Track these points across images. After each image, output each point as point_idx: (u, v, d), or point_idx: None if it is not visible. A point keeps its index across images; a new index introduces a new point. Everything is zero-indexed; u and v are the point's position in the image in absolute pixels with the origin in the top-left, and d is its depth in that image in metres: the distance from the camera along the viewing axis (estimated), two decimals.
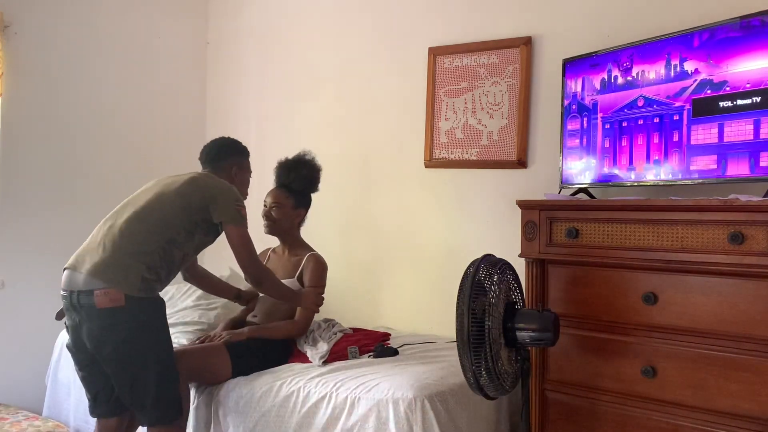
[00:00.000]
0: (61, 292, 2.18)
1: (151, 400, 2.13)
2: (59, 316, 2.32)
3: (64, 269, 2.20)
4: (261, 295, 2.79)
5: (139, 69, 3.81)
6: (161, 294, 2.25)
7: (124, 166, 3.73)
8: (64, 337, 3.27)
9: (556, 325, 1.94)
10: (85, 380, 2.25)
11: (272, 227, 2.82)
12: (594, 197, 2.42)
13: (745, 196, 1.83)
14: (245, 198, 2.49)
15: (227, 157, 2.52)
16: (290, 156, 2.90)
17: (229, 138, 2.61)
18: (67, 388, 3.16)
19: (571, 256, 2.16)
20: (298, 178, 2.83)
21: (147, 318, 2.15)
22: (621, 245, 2.04)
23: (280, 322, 2.67)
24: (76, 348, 2.19)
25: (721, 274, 1.87)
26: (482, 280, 1.93)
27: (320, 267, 2.79)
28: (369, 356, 2.59)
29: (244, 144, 2.62)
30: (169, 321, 2.51)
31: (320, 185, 3.57)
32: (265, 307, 2.75)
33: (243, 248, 2.29)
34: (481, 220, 2.95)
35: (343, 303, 3.39)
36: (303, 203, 2.88)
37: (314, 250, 2.85)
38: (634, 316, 2.03)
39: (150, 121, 3.87)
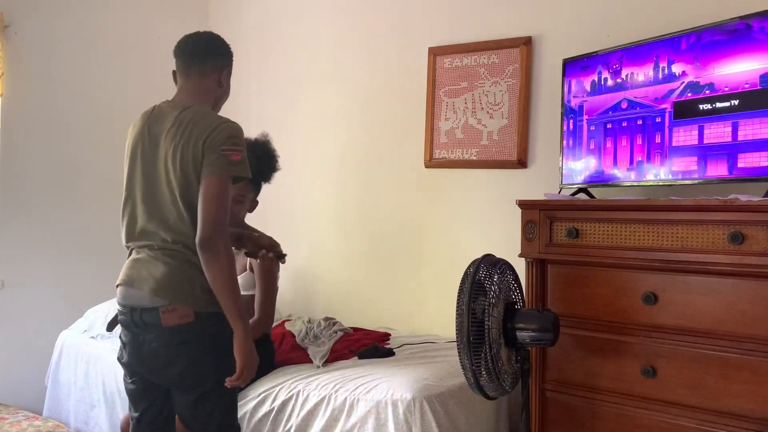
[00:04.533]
0: (118, 308, 1.93)
1: (215, 426, 1.90)
2: (110, 327, 2.12)
3: (118, 285, 1.93)
4: None
5: (139, 69, 3.81)
6: None
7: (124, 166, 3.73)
8: (64, 337, 3.28)
9: (556, 325, 1.94)
10: (134, 394, 1.98)
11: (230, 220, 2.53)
12: (594, 197, 2.43)
13: (746, 196, 1.83)
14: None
15: (215, 56, 2.02)
16: (251, 139, 2.58)
17: (219, 36, 2.08)
18: (67, 388, 3.16)
19: (571, 256, 2.16)
20: (267, 168, 2.57)
21: (218, 334, 1.85)
22: (621, 245, 2.04)
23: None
24: (133, 362, 1.92)
25: (721, 274, 1.86)
26: (482, 280, 1.93)
27: None
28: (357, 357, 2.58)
29: None
30: None
31: (319, 185, 3.59)
32: None
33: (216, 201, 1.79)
34: (481, 220, 2.94)
35: (344, 303, 3.40)
36: (259, 190, 2.63)
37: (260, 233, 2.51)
38: (634, 316, 2.03)
39: None
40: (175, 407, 1.94)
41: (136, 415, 1.99)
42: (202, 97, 1.97)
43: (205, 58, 2.00)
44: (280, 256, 2.13)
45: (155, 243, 1.86)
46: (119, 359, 1.98)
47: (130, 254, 1.95)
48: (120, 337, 1.96)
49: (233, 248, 2.15)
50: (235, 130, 1.86)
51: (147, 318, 1.83)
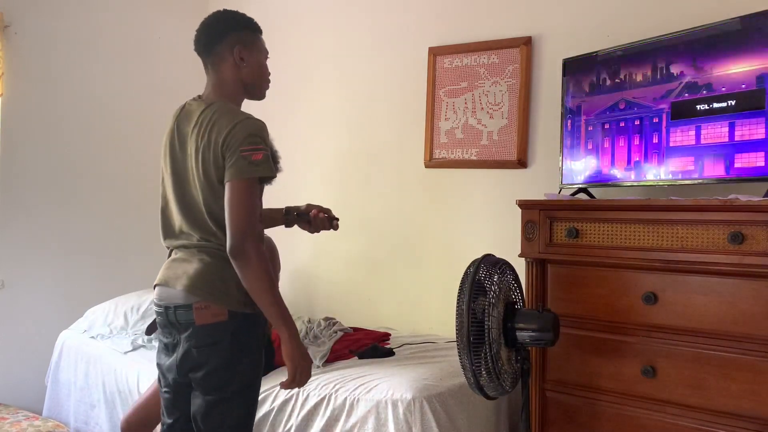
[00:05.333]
0: (155, 308, 1.88)
1: None
2: (149, 330, 2.06)
3: (155, 286, 1.89)
4: None
5: (139, 69, 3.81)
6: None
7: (124, 167, 3.73)
8: (64, 337, 3.28)
9: (556, 325, 1.94)
10: (167, 403, 1.91)
11: None
12: (594, 197, 2.43)
13: (745, 196, 1.83)
14: (266, 87, 1.95)
15: (221, 38, 1.85)
16: None
17: (223, 11, 1.91)
18: (67, 388, 3.16)
19: (571, 256, 2.16)
20: None
21: (250, 339, 1.79)
22: (621, 245, 2.04)
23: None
24: (171, 364, 1.84)
25: (721, 274, 1.86)
26: (482, 280, 1.93)
27: (268, 249, 2.49)
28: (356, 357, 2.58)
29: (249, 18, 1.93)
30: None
31: (319, 184, 3.59)
32: None
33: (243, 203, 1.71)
34: (481, 220, 2.94)
35: (343, 303, 3.40)
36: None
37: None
38: (634, 316, 2.03)
39: (150, 121, 3.86)
40: (191, 405, 1.85)
41: (168, 421, 1.92)
42: (224, 88, 1.87)
43: (212, 45, 1.86)
44: (333, 218, 2.10)
45: (190, 242, 1.82)
46: (158, 364, 1.91)
47: (169, 255, 1.91)
48: (159, 339, 1.90)
49: (283, 225, 2.19)
50: (254, 127, 1.75)
51: (181, 316, 1.77)
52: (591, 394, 2.12)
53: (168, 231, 1.89)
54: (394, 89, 3.27)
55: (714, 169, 2.04)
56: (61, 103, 3.53)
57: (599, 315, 2.11)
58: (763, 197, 1.83)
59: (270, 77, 1.95)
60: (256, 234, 1.72)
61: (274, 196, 3.02)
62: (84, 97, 3.61)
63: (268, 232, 2.70)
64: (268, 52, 1.95)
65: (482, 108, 2.95)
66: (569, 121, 2.46)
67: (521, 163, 2.83)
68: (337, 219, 2.13)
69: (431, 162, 3.10)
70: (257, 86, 1.92)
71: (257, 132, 1.75)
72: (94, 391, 2.98)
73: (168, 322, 1.82)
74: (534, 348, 2.18)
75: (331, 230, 2.11)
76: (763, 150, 1.93)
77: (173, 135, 1.88)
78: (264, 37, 1.94)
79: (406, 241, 3.21)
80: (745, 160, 1.97)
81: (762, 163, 1.92)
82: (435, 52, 3.10)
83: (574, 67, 2.45)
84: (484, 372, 1.89)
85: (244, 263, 1.70)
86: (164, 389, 1.91)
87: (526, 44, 2.82)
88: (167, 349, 1.86)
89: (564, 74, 2.49)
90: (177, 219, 1.85)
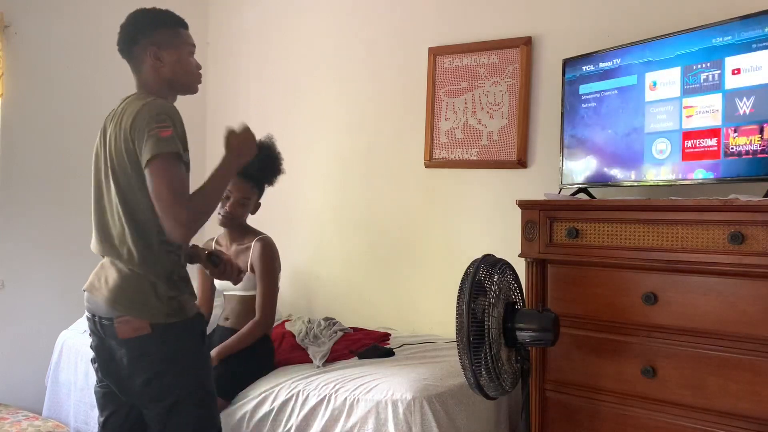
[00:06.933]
0: (86, 312, 1.87)
1: None
2: None
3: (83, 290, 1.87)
4: (229, 293, 2.51)
5: None
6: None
7: None
8: (64, 337, 3.28)
9: (556, 325, 1.94)
10: (101, 398, 1.91)
11: (231, 222, 2.57)
12: (594, 197, 2.43)
13: (745, 196, 1.83)
14: (196, 81, 1.90)
15: (135, 41, 1.81)
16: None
17: (137, 12, 1.86)
18: (67, 388, 3.16)
19: (571, 256, 2.16)
20: (272, 170, 2.61)
21: (180, 347, 1.75)
22: (621, 245, 2.04)
23: (243, 328, 2.47)
24: (101, 370, 1.86)
25: (721, 274, 1.86)
26: (482, 280, 1.93)
27: (269, 250, 2.55)
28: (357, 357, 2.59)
29: (161, 9, 1.87)
30: None
31: (319, 185, 3.59)
32: (234, 308, 2.58)
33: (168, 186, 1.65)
34: (481, 220, 2.95)
35: (343, 303, 3.40)
36: (262, 192, 2.68)
37: (262, 233, 2.63)
38: (634, 316, 2.03)
39: None
40: (146, 418, 1.82)
41: (101, 419, 1.93)
42: (148, 88, 1.83)
43: (129, 49, 1.82)
44: (241, 270, 2.02)
45: (111, 246, 1.80)
46: (92, 361, 1.91)
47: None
48: (90, 346, 1.89)
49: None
50: (162, 107, 1.69)
51: (106, 328, 1.76)
52: (591, 394, 2.12)
53: (97, 234, 1.86)
54: (394, 89, 3.27)
55: (714, 170, 2.03)
56: (61, 103, 3.53)
57: (599, 315, 2.11)
58: (763, 197, 1.83)
59: (198, 69, 1.89)
60: (186, 207, 1.64)
61: (273, 196, 3.02)
62: (84, 97, 3.60)
63: (268, 232, 2.70)
64: (193, 45, 1.88)
65: (482, 108, 2.95)
66: (569, 121, 2.46)
67: (521, 163, 2.83)
68: (244, 273, 2.06)
69: (431, 162, 3.10)
70: (182, 82, 1.86)
71: (164, 111, 1.69)
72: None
73: (95, 330, 1.80)
74: (534, 348, 2.18)
75: (238, 278, 2.03)
76: (760, 151, 1.93)
77: (100, 138, 1.88)
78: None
79: (406, 241, 3.21)
80: (743, 160, 1.97)
81: (759, 164, 1.92)
82: (435, 52, 3.10)
83: (575, 67, 2.45)
84: (484, 372, 1.89)
85: (189, 231, 1.66)
86: (98, 385, 1.90)
87: (526, 44, 2.82)
88: (98, 350, 1.85)
89: (564, 74, 2.49)
90: (102, 221, 1.83)
